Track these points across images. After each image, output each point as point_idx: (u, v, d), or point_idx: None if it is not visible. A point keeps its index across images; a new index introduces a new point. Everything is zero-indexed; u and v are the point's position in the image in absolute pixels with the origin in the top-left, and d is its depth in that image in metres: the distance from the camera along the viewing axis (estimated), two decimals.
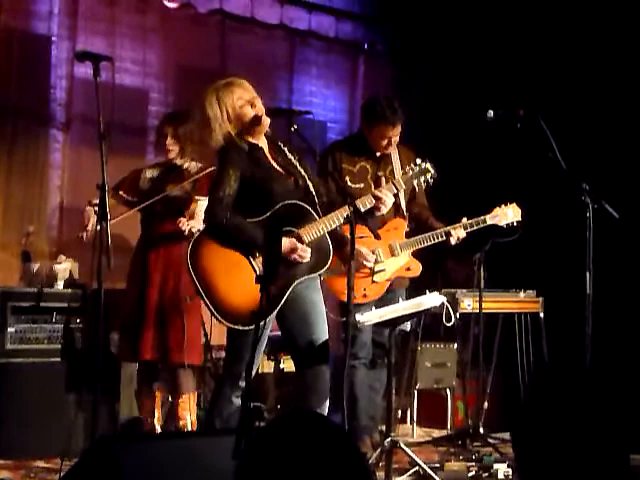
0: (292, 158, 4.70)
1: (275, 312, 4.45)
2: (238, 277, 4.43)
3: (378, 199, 4.78)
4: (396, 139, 5.67)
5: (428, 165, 5.00)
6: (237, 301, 4.39)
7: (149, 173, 5.78)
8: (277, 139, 4.72)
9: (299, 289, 4.52)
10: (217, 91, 4.56)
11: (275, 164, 4.64)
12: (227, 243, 4.45)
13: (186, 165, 5.72)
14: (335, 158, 5.69)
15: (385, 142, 5.65)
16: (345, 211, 4.55)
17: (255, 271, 4.43)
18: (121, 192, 5.71)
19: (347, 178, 5.65)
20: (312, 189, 4.64)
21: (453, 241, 5.58)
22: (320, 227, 4.55)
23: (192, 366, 5.63)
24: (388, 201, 4.81)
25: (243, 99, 4.55)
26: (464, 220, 5.60)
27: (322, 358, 4.58)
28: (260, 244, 4.29)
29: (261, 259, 4.40)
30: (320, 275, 4.72)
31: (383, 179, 5.69)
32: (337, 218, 4.57)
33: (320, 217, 4.57)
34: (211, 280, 4.42)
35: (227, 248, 4.45)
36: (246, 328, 4.37)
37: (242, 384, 4.50)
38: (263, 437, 1.94)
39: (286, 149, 4.72)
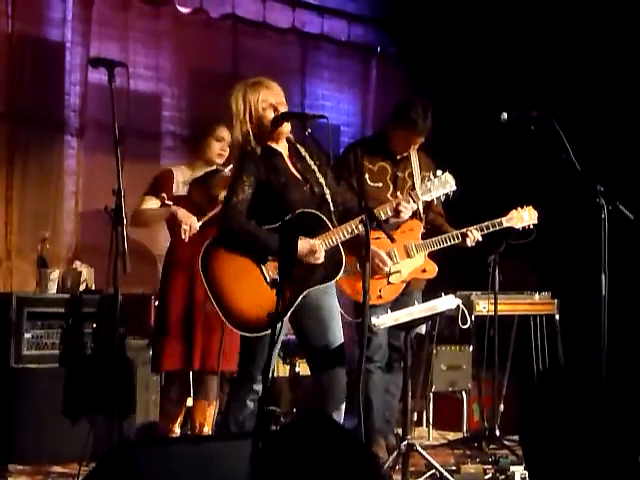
0: (312, 163, 4.69)
1: (286, 317, 4.45)
2: (248, 284, 4.45)
3: (397, 212, 4.76)
4: (416, 146, 5.70)
5: (449, 177, 4.99)
6: (246, 308, 4.42)
7: (181, 176, 5.64)
8: (298, 143, 4.72)
9: (314, 295, 4.52)
10: (245, 88, 4.56)
11: (294, 169, 4.63)
12: (239, 249, 4.46)
13: (228, 170, 5.48)
14: (357, 154, 5.71)
15: (404, 146, 5.67)
16: (356, 222, 4.56)
17: (265, 278, 4.45)
18: (163, 194, 5.57)
19: (367, 176, 5.67)
20: (328, 197, 4.63)
21: (469, 243, 5.59)
22: (334, 237, 4.55)
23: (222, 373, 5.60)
24: (406, 213, 4.79)
25: (267, 102, 4.54)
26: (473, 231, 5.60)
27: (338, 363, 4.58)
28: (274, 250, 4.27)
29: (272, 265, 4.43)
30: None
31: (403, 181, 5.71)
32: (352, 228, 4.57)
33: (335, 226, 4.57)
34: (222, 286, 4.45)
35: (238, 255, 4.46)
36: (254, 335, 4.40)
37: (257, 388, 4.51)
38: (276, 442, 1.95)
39: (307, 155, 4.70)
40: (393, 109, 5.80)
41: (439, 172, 5.02)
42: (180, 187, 5.60)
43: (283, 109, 4.57)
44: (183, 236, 5.40)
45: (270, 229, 4.44)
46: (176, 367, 5.49)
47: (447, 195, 5.01)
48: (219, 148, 5.62)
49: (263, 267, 4.47)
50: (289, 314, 4.44)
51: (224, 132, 5.53)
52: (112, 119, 4.43)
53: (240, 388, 4.57)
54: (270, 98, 4.55)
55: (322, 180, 4.64)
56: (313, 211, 4.54)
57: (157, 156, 7.17)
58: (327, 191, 4.63)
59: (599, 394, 2.12)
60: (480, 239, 5.62)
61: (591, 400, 2.11)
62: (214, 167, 5.65)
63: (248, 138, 4.53)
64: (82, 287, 5.83)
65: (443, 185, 4.96)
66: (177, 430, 5.67)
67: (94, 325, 5.72)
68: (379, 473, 1.93)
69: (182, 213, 5.45)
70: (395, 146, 5.70)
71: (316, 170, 4.66)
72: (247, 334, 4.43)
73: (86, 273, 5.87)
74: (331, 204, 4.61)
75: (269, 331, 4.25)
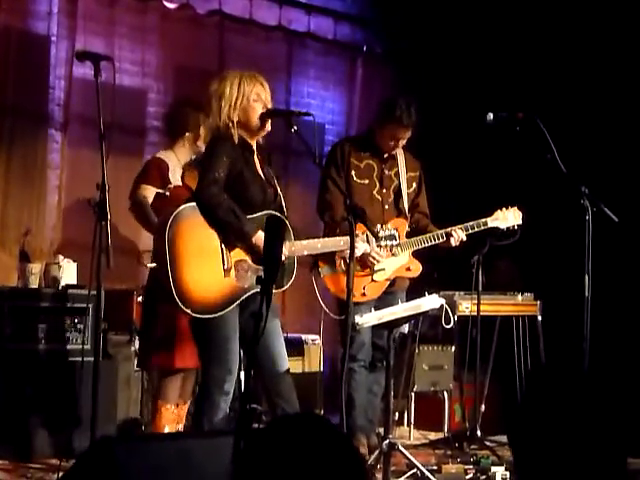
0: (271, 173, 4.75)
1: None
2: (204, 264, 4.42)
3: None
4: (403, 142, 5.69)
5: (396, 233, 5.18)
6: (194, 286, 4.38)
7: (171, 164, 5.59)
8: (265, 152, 4.74)
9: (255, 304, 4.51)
10: (241, 76, 4.58)
11: (260, 170, 4.66)
12: (217, 223, 4.43)
13: None
14: (344, 151, 5.73)
15: (393, 143, 5.67)
16: (341, 240, 4.59)
17: (223, 262, 4.44)
18: (170, 186, 5.52)
19: (353, 172, 5.69)
20: (285, 209, 4.67)
21: (454, 242, 5.60)
22: (306, 248, 4.58)
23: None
24: (369, 228, 4.85)
25: (259, 95, 4.56)
26: (458, 231, 5.61)
27: (284, 373, 4.61)
28: (249, 237, 4.36)
29: (236, 253, 4.41)
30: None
31: (389, 180, 5.72)
32: (333, 245, 4.62)
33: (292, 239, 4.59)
34: (179, 256, 4.37)
35: (205, 232, 4.42)
36: (192, 314, 4.37)
37: (227, 388, 4.49)
38: (260, 439, 1.93)
39: (267, 164, 4.75)
40: (378, 108, 5.84)
41: (386, 227, 5.25)
42: (173, 174, 5.59)
43: (269, 107, 4.60)
44: None
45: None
46: (187, 365, 5.40)
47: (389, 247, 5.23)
48: (205, 135, 5.60)
49: (225, 251, 4.45)
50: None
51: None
52: (97, 114, 4.40)
53: (210, 390, 4.53)
54: (262, 93, 4.58)
55: (280, 192, 4.68)
56: (281, 216, 4.54)
57: (141, 151, 7.13)
58: (284, 204, 4.67)
59: (587, 394, 2.11)
60: (464, 239, 5.63)
61: (578, 398, 2.11)
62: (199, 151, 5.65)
63: (229, 125, 4.53)
64: (64, 282, 5.78)
65: (390, 238, 5.17)
66: (168, 428, 5.56)
67: (76, 320, 5.68)
68: (365, 470, 1.92)
69: None
70: (382, 144, 5.70)
71: (275, 181, 4.71)
72: (188, 311, 4.37)
73: (69, 268, 5.83)
74: (286, 217, 4.61)
75: (211, 316, 4.26)
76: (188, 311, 4.38)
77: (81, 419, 5.29)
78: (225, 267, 4.44)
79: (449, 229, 5.61)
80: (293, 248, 4.58)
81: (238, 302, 4.44)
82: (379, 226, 5.20)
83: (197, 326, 4.51)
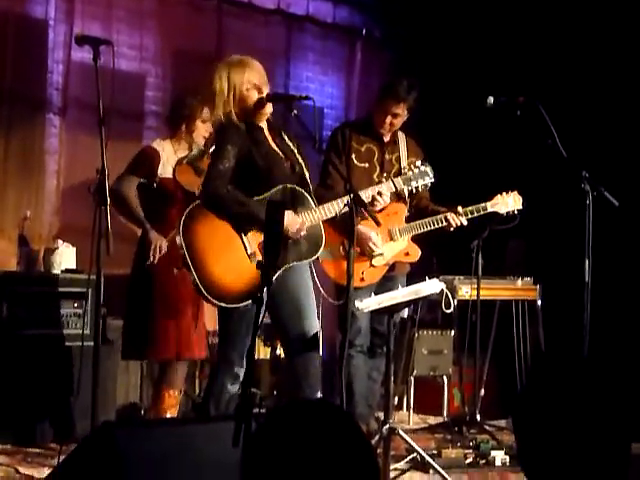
0: (291, 144, 4.71)
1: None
2: (229, 254, 4.44)
3: (378, 194, 4.81)
4: (398, 121, 5.65)
5: (428, 169, 5.06)
6: (225, 279, 4.40)
7: (165, 155, 5.56)
8: (278, 126, 4.73)
9: (289, 275, 4.51)
10: (229, 67, 4.55)
11: (274, 145, 4.65)
12: (224, 217, 4.44)
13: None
14: (345, 135, 5.71)
15: (387, 119, 5.63)
16: (343, 201, 4.56)
17: (246, 248, 4.45)
18: (157, 178, 5.50)
19: (354, 156, 5.67)
20: (308, 178, 4.65)
21: (453, 227, 5.59)
22: (318, 215, 4.57)
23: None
24: (385, 199, 4.84)
25: (251, 82, 4.54)
26: (459, 208, 5.59)
27: (313, 349, 4.60)
28: (261, 220, 4.26)
29: (254, 236, 4.42)
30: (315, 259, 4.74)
31: (390, 165, 5.70)
32: (335, 207, 4.59)
33: (316, 206, 4.59)
34: (201, 255, 4.41)
35: (220, 223, 4.44)
36: (230, 305, 4.38)
37: (237, 371, 4.51)
38: (270, 424, 1.93)
39: (286, 136, 4.73)
40: (380, 87, 5.80)
41: (418, 162, 5.15)
42: (165, 167, 5.55)
43: (266, 90, 4.59)
44: (152, 258, 5.39)
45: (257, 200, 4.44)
46: (171, 355, 5.40)
47: (426, 186, 5.07)
48: (204, 130, 5.59)
49: (244, 237, 4.46)
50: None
51: (209, 114, 5.47)
52: (95, 98, 4.39)
53: (220, 372, 4.56)
54: (254, 79, 4.56)
55: (302, 161, 4.65)
56: (297, 187, 4.56)
57: (140, 136, 7.12)
58: (307, 172, 4.63)
59: (589, 379, 2.11)
60: (465, 223, 5.62)
61: (580, 383, 2.11)
62: (198, 148, 5.62)
63: (230, 117, 4.53)
64: (64, 266, 5.77)
65: (422, 176, 5.01)
66: (169, 413, 5.52)
67: (76, 305, 5.67)
68: (374, 455, 1.92)
69: (154, 235, 5.42)
70: (378, 122, 5.66)
71: (295, 151, 4.68)
72: (224, 304, 4.39)
73: (68, 253, 5.83)
74: (310, 185, 4.62)
75: (247, 304, 4.27)
76: (222, 304, 4.40)
77: (81, 404, 5.28)
78: (249, 252, 4.45)
79: (448, 214, 5.58)
80: (315, 215, 4.58)
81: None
82: (405, 167, 5.22)
83: (223, 314, 4.51)
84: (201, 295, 4.45)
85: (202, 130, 5.57)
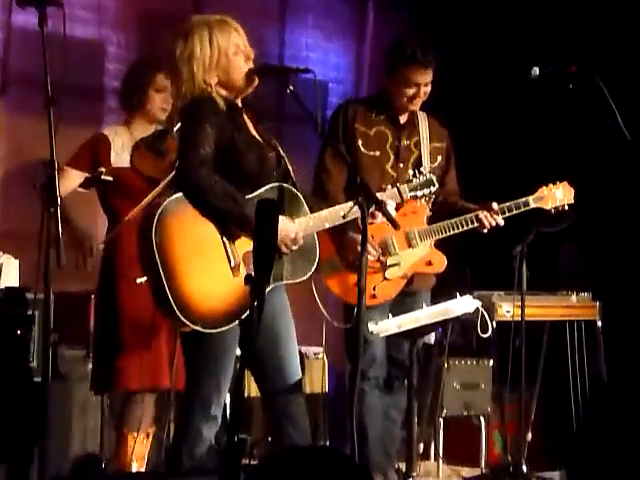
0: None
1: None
2: (208, 265, 4.40)
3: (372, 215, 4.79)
4: (425, 91, 5.64)
5: (434, 177, 5.04)
6: (199, 294, 4.36)
7: (119, 140, 5.62)
8: (255, 107, 4.72)
9: (267, 298, 4.50)
10: (209, 28, 4.51)
11: (255, 133, 4.65)
12: (210, 214, 4.40)
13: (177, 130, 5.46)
14: (347, 115, 5.70)
15: (411, 92, 5.60)
16: (348, 204, 4.57)
17: (229, 259, 4.42)
18: (102, 169, 5.55)
19: (359, 142, 5.65)
20: (292, 172, 4.65)
21: (487, 228, 5.57)
22: (318, 222, 4.57)
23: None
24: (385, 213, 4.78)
25: (238, 46, 4.54)
26: (495, 205, 5.58)
27: (295, 387, 4.64)
28: (251, 220, 4.27)
29: (241, 244, 4.41)
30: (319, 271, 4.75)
31: (407, 152, 5.70)
32: (344, 213, 4.59)
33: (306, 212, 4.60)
34: (174, 261, 4.34)
35: (201, 225, 4.40)
36: (207, 330, 4.36)
37: (214, 412, 4.51)
38: (263, 478, 1.93)
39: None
40: (385, 56, 5.79)
41: (424, 170, 5.13)
42: (120, 154, 5.59)
43: (252, 56, 4.58)
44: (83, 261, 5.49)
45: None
46: (144, 385, 5.45)
47: (427, 196, 5.06)
48: (161, 101, 5.63)
49: (229, 246, 4.43)
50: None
51: (165, 81, 5.49)
52: (43, 72, 4.38)
53: (193, 412, 4.54)
54: (240, 42, 4.55)
55: (282, 152, 4.68)
56: (291, 187, 4.55)
57: (99, 119, 7.13)
58: (290, 166, 4.66)
59: None
60: (501, 224, 5.61)
61: None
62: (158, 127, 5.67)
63: (206, 90, 4.50)
64: (4, 283, 5.78)
65: (428, 185, 5.01)
66: (136, 465, 5.59)
67: (19, 332, 5.67)
68: None
69: (81, 234, 5.56)
70: (398, 98, 5.64)
71: (275, 140, 4.69)
72: (199, 328, 4.37)
73: (9, 265, 5.83)
74: (296, 183, 4.63)
75: (227, 328, 4.27)
76: (198, 328, 4.37)
77: (29, 452, 5.27)
78: (232, 264, 4.42)
79: (480, 212, 5.57)
80: (311, 223, 4.58)
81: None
82: (410, 172, 5.21)
83: (193, 337, 4.49)
84: (169, 314, 4.39)
85: (158, 101, 5.61)
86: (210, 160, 4.40)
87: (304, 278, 4.64)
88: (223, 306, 4.37)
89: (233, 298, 4.34)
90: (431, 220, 5.67)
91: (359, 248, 5.15)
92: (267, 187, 4.50)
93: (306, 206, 4.61)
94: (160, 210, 4.36)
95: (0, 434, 5.50)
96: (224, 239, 4.44)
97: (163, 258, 4.32)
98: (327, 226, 4.62)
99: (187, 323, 4.35)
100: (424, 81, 5.61)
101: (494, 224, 5.57)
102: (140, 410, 5.50)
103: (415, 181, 4.99)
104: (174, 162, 5.37)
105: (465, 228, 5.60)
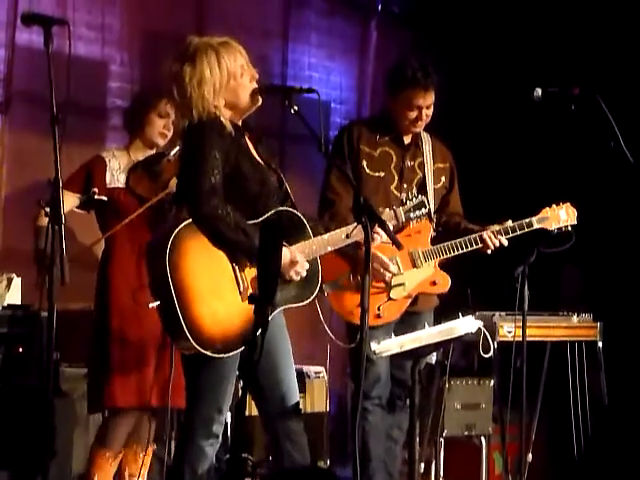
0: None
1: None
2: (219, 290, 4.39)
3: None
4: (428, 113, 5.66)
5: (425, 199, 5.04)
6: (209, 320, 4.35)
7: (115, 162, 5.63)
8: (257, 128, 4.72)
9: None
10: (216, 50, 4.49)
11: (256, 155, 4.63)
12: (221, 244, 4.39)
13: (174, 153, 5.50)
14: (352, 136, 5.71)
15: (414, 115, 5.63)
16: (349, 230, 4.58)
17: (238, 285, 4.42)
18: (95, 189, 5.55)
19: (364, 162, 5.67)
20: (291, 195, 4.65)
21: (490, 248, 5.58)
22: (321, 247, 4.57)
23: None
24: (379, 237, 4.76)
25: (244, 68, 4.53)
26: (506, 223, 5.60)
27: (294, 408, 4.61)
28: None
29: (250, 271, 4.40)
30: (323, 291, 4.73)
31: (411, 173, 5.71)
32: (341, 235, 4.59)
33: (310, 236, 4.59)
34: (187, 287, 4.34)
35: (211, 251, 4.39)
36: (218, 355, 4.35)
37: (216, 430, 4.50)
38: None
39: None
40: (385, 77, 5.80)
41: (415, 191, 5.32)
42: (116, 176, 5.60)
43: (256, 77, 4.58)
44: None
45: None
46: (130, 403, 5.45)
47: (420, 218, 5.06)
48: (162, 126, 5.64)
49: (239, 272, 4.43)
50: None
51: (168, 107, 5.52)
52: (46, 90, 4.38)
53: (195, 431, 4.52)
54: (244, 63, 4.55)
55: (281, 173, 4.68)
56: (293, 211, 4.55)
57: (102, 137, 7.17)
58: (289, 188, 4.65)
59: None
60: (505, 244, 5.62)
61: None
62: (155, 150, 5.69)
63: (216, 112, 4.49)
64: (6, 302, 5.78)
65: (420, 207, 5.01)
66: None
67: (21, 350, 5.67)
68: None
69: None
70: (400, 120, 5.66)
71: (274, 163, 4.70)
72: (210, 353, 4.37)
73: (12, 285, 5.83)
74: (296, 206, 4.62)
75: (234, 353, 4.26)
76: (207, 353, 4.36)
77: (32, 469, 5.26)
78: (241, 289, 4.41)
79: (484, 232, 5.58)
80: (314, 247, 4.58)
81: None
82: (401, 195, 5.21)
83: (196, 360, 4.48)
84: (179, 338, 4.40)
85: (159, 126, 5.62)
86: (220, 188, 4.37)
87: (307, 302, 4.63)
88: (233, 330, 4.35)
89: (241, 323, 4.34)
90: (435, 240, 5.68)
91: (376, 266, 5.22)
92: (271, 212, 4.50)
93: (309, 228, 4.62)
94: (174, 234, 4.35)
95: (2, 452, 5.51)
96: (234, 265, 4.44)
97: (175, 282, 4.32)
98: (330, 249, 4.62)
99: (197, 348, 4.34)
100: (426, 103, 5.62)
101: (498, 245, 5.59)
102: (121, 430, 5.51)
103: (408, 203, 4.99)
104: (166, 182, 5.42)
105: (469, 248, 5.62)
